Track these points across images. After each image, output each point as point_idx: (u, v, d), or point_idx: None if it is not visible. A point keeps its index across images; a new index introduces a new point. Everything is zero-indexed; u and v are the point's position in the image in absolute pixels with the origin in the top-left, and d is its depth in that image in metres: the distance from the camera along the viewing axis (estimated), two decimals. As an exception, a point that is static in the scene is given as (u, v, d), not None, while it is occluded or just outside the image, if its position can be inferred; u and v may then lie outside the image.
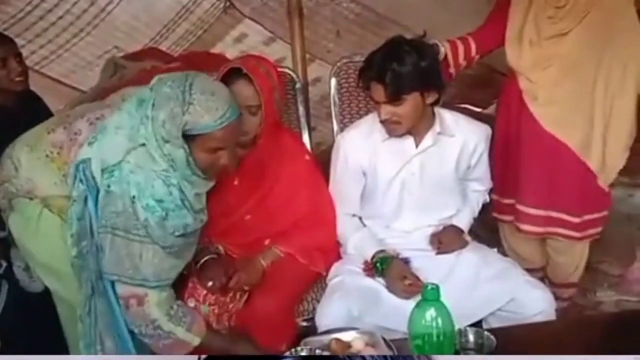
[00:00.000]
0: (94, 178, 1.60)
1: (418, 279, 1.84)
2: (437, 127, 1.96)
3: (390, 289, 1.86)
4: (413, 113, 1.87)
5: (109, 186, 1.58)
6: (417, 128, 1.94)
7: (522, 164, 2.28)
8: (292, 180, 2.02)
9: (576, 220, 2.26)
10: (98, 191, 1.60)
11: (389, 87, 1.81)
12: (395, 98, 1.82)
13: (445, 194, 2.05)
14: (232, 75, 1.83)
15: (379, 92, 1.84)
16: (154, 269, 1.62)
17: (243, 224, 2.03)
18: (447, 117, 2.00)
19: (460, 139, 2.00)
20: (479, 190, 2.18)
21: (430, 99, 1.88)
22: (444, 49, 2.26)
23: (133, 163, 1.58)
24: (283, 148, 2.02)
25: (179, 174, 1.61)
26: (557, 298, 2.05)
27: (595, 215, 2.29)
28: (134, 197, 1.57)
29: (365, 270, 1.94)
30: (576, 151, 2.18)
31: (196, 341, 1.66)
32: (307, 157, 2.09)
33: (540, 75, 2.18)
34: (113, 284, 1.63)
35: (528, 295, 1.80)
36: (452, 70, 2.31)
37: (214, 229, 1.97)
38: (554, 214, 2.27)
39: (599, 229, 2.33)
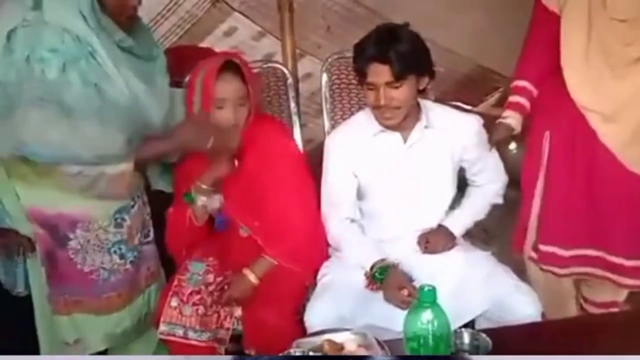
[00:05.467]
0: None
1: (415, 288, 1.76)
2: (423, 121, 1.91)
3: (387, 297, 1.79)
4: (410, 98, 1.84)
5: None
6: (403, 122, 1.89)
7: (605, 210, 2.01)
8: (280, 184, 1.95)
9: None
10: None
11: (395, 65, 1.75)
12: (400, 77, 1.77)
13: (439, 191, 1.99)
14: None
15: (381, 73, 1.78)
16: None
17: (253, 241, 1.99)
18: (434, 111, 1.95)
19: (449, 132, 1.94)
20: (485, 185, 2.06)
21: (422, 84, 1.85)
22: (515, 123, 2.05)
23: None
24: (270, 152, 1.95)
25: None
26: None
27: None
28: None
29: (367, 285, 1.85)
30: None
31: None
32: (294, 158, 2.02)
33: (622, 111, 1.89)
34: None
35: (514, 299, 1.75)
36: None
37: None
38: None
39: None
